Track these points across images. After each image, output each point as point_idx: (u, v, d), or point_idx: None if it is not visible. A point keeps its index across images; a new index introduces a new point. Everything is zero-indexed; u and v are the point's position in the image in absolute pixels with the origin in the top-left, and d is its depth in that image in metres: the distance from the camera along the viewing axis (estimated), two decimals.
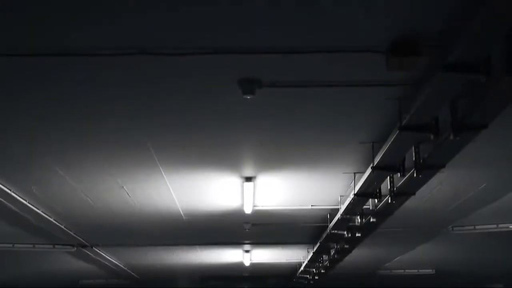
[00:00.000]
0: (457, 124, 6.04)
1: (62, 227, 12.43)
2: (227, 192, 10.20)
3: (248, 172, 9.13)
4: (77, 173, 8.96)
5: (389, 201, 9.01)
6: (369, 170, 8.07)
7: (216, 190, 10.11)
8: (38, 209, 10.86)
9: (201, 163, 8.65)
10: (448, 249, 16.22)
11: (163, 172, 8.96)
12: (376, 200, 9.21)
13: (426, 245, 15.58)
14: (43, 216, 11.28)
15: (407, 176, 7.93)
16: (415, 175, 7.58)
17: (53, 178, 9.16)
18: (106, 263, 17.34)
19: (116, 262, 17.42)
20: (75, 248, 14.59)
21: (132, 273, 19.76)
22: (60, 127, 7.21)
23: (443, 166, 7.53)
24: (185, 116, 6.92)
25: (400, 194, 8.81)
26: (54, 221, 11.86)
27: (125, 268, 18.67)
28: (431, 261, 18.11)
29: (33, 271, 18.76)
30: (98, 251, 15.41)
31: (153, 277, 21.08)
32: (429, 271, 19.47)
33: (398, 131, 6.48)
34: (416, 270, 19.56)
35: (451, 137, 6.14)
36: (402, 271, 19.71)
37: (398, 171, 7.71)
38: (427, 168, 7.53)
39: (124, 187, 9.78)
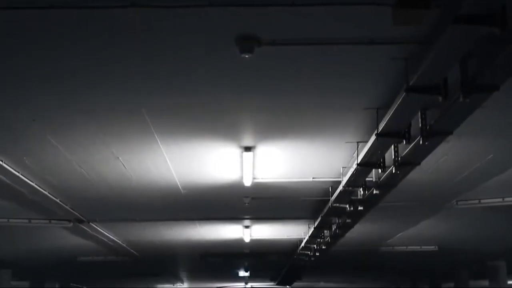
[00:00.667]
0: (467, 85, 5.74)
1: (58, 201, 12.14)
2: (226, 163, 9.89)
3: (248, 142, 8.82)
4: (69, 142, 8.65)
5: (393, 171, 8.72)
6: (373, 138, 7.76)
7: (215, 161, 9.80)
8: (31, 181, 10.56)
9: (198, 131, 8.34)
10: (452, 224, 15.95)
11: (159, 141, 8.65)
12: (380, 170, 8.89)
13: (429, 221, 15.31)
14: (37, 189, 10.98)
15: (412, 144, 7.63)
16: (421, 142, 7.28)
17: (45, 148, 8.85)
18: (104, 239, 17.08)
19: (114, 238, 17.16)
20: (72, 224, 14.31)
21: (131, 250, 19.50)
22: (49, 91, 6.91)
23: (450, 132, 7.23)
24: (178, 80, 6.63)
25: (405, 164, 8.51)
26: (49, 195, 11.56)
27: (124, 245, 18.40)
28: (434, 237, 17.83)
29: (30, 248, 18.51)
30: (96, 227, 15.14)
31: (152, 254, 20.82)
32: (432, 247, 19.18)
33: (404, 93, 6.16)
34: (418, 247, 19.28)
35: (461, 99, 5.83)
36: (405, 247, 19.42)
37: (404, 138, 7.40)
38: (434, 135, 7.22)
39: (120, 158, 9.47)
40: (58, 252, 19.57)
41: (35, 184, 10.67)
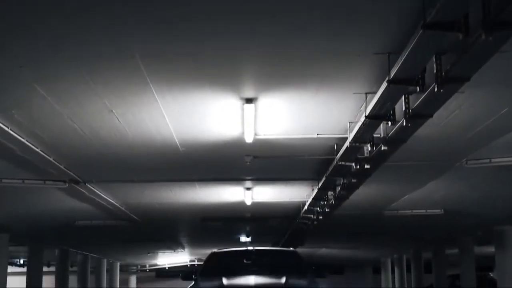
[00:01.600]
0: (489, 21, 5.20)
1: (51, 159, 11.65)
2: (227, 117, 9.36)
3: (249, 93, 8.29)
4: (59, 92, 8.12)
5: (404, 124, 8.21)
6: (384, 85, 7.24)
7: (215, 115, 9.27)
8: (22, 137, 10.06)
9: (196, 80, 7.81)
10: (459, 186, 15.48)
11: (154, 92, 8.12)
12: (389, 123, 8.37)
13: (436, 183, 14.85)
14: (29, 146, 10.47)
15: (426, 93, 7.11)
16: (436, 89, 6.75)
17: (34, 99, 8.33)
18: (102, 202, 16.64)
19: (112, 201, 16.71)
20: (67, 185, 13.83)
21: (131, 214, 19.07)
22: (34, 33, 6.37)
23: (467, 79, 6.70)
24: (172, 22, 6.12)
25: (417, 116, 7.99)
26: (41, 152, 11.06)
27: (122, 208, 17.97)
28: (440, 200, 17.36)
29: (26, 211, 18.08)
30: (92, 188, 14.67)
31: (152, 219, 20.39)
32: (437, 211, 18.72)
33: (421, 31, 5.62)
34: (424, 210, 18.82)
35: (483, 36, 5.30)
36: (410, 211, 18.97)
37: (418, 85, 6.87)
38: (450, 82, 6.69)
39: (114, 111, 8.95)
40: (56, 216, 19.15)
41: (26, 140, 10.17)
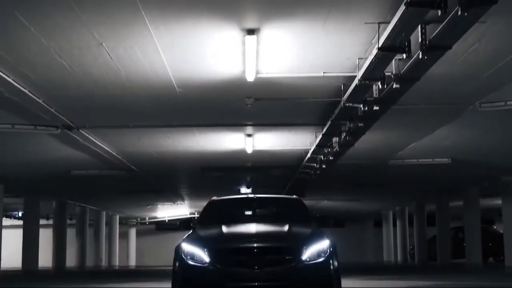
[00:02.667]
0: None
1: (40, 101, 10.99)
2: (226, 51, 8.64)
3: (251, 22, 7.58)
4: (42, 22, 7.42)
5: (420, 57, 7.54)
6: (400, 11, 6.54)
7: (213, 49, 8.54)
8: (8, 76, 9.41)
9: (193, 7, 7.11)
10: (469, 134, 14.85)
11: (147, 21, 7.42)
12: (404, 56, 7.68)
13: (445, 129, 14.22)
14: (16, 86, 9.82)
15: (448, 18, 6.44)
16: (459, 13, 6.08)
17: (17, 31, 7.65)
18: (97, 150, 16.03)
19: (108, 149, 16.09)
20: (60, 130, 13.21)
21: (128, 163, 18.47)
22: None
23: (495, 1, 6.04)
24: None
25: (434, 48, 7.33)
26: (29, 94, 10.42)
27: (119, 157, 17.36)
28: (447, 149, 16.74)
29: (19, 159, 17.48)
30: (86, 135, 14.04)
31: (151, 168, 19.79)
32: (444, 160, 18.11)
33: None
34: (430, 159, 18.21)
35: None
36: (416, 160, 18.36)
37: (439, 8, 6.17)
38: (475, 4, 6.03)
39: (103, 45, 8.26)
40: (51, 165, 18.58)
41: (12, 79, 9.51)
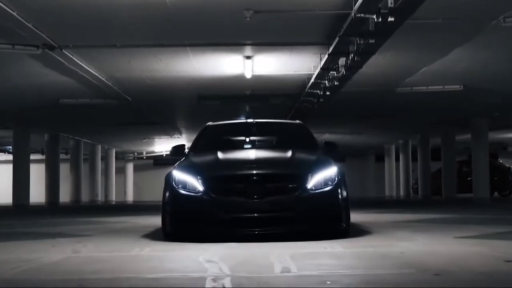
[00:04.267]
0: None
1: (15, 14, 9.88)
2: None
3: None
4: None
5: None
6: None
7: None
8: None
9: None
10: (486, 56, 13.76)
11: None
12: None
13: (460, 51, 13.12)
14: None
15: None
16: None
17: None
18: (85, 75, 14.94)
19: (96, 74, 14.97)
20: (40, 50, 12.10)
21: (119, 91, 17.36)
22: None
23: None
24: None
25: None
26: (1, 5, 9.29)
27: (110, 83, 16.25)
28: (460, 74, 15.61)
29: (3, 86, 16.38)
30: (70, 56, 12.91)
31: (145, 97, 18.67)
32: (456, 87, 16.99)
33: None
34: (441, 86, 17.10)
35: None
36: (425, 88, 17.25)
37: None
38: None
39: None
40: (37, 93, 17.52)
41: None
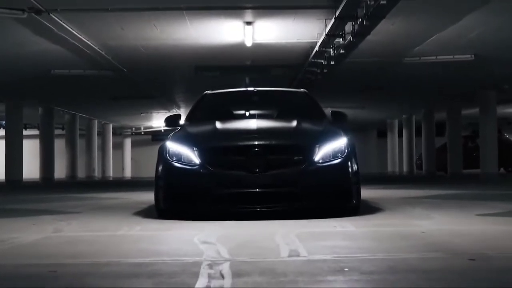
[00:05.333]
0: None
1: None
2: None
3: None
4: None
5: None
6: None
7: None
8: None
9: None
10: (500, 22, 12.98)
11: None
12: None
13: (472, 17, 12.38)
14: None
15: None
16: None
17: None
18: (77, 43, 14.16)
19: (88, 42, 14.19)
20: (26, 14, 11.31)
21: (113, 61, 16.57)
22: None
23: None
24: None
25: None
26: None
27: (103, 53, 15.46)
28: (472, 42, 14.83)
29: None
30: (59, 21, 12.12)
31: (140, 68, 17.90)
32: (467, 56, 16.21)
33: None
34: (451, 56, 16.30)
35: None
36: (434, 57, 16.46)
37: None
38: None
39: None
40: (27, 63, 16.74)
41: None
